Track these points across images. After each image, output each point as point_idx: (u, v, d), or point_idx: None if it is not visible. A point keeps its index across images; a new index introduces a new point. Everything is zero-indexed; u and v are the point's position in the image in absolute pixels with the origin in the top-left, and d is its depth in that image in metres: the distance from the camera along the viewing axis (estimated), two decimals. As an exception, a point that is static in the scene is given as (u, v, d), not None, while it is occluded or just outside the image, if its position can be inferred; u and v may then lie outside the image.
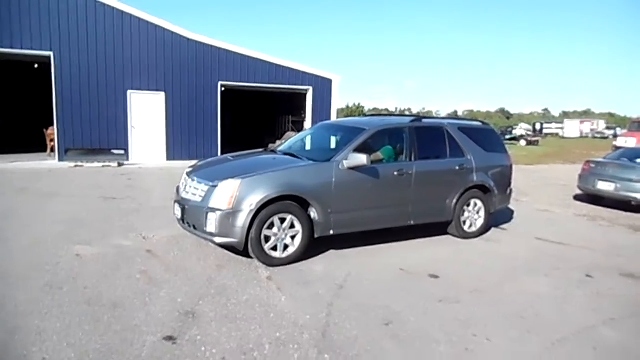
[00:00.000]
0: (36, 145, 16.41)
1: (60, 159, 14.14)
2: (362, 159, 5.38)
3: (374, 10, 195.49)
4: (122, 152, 14.82)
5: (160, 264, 5.04)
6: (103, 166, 13.66)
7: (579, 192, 10.86)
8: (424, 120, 6.79)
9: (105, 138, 14.70)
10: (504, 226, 7.69)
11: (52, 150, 14.89)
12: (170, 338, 3.43)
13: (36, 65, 16.01)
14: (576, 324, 4.07)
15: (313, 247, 5.57)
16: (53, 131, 14.49)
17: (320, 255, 5.56)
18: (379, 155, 6.06)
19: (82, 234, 6.11)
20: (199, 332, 3.54)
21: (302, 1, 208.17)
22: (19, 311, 3.74)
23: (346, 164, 5.44)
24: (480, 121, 7.99)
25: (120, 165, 14.03)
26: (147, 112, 15.19)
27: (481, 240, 6.74)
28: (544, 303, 4.50)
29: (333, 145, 6.56)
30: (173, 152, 15.50)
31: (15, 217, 6.90)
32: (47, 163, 13.81)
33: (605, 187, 9.68)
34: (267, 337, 3.53)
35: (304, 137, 7.26)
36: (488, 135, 7.33)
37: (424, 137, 6.35)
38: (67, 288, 4.25)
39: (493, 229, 7.39)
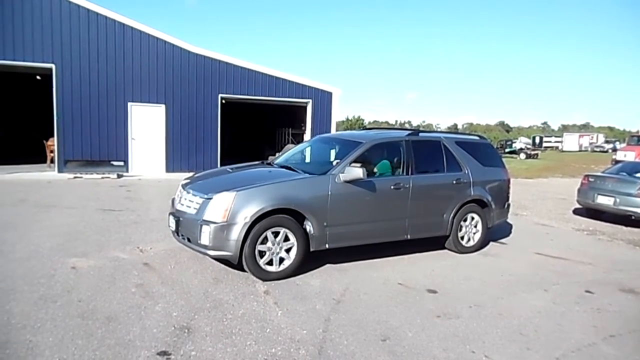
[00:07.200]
0: (36, 156, 16.42)
1: (59, 170, 14.13)
2: (358, 172, 5.37)
3: (375, 23, 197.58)
4: (121, 163, 14.82)
5: (157, 277, 5.01)
6: (102, 178, 13.66)
7: (578, 206, 10.84)
8: (421, 134, 6.78)
9: (105, 150, 14.71)
10: (503, 240, 7.66)
11: (52, 161, 14.90)
12: (164, 353, 3.39)
13: (38, 77, 16.14)
14: (576, 340, 4.03)
15: (311, 260, 5.53)
16: (53, 142, 14.52)
17: (318, 269, 5.52)
18: (375, 168, 6.05)
19: (78, 246, 6.07)
20: (194, 348, 3.50)
21: (302, 14, 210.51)
22: (11, 325, 3.70)
23: (342, 177, 5.41)
24: (478, 135, 7.98)
25: (119, 176, 14.02)
26: (147, 124, 15.23)
27: (480, 255, 6.71)
28: (543, 319, 4.45)
29: (329, 159, 6.56)
30: (173, 164, 15.50)
31: (12, 228, 6.86)
32: (46, 174, 13.80)
33: (604, 201, 9.67)
34: (262, 353, 3.48)
35: (301, 150, 7.25)
36: (485, 149, 7.30)
37: (420, 151, 6.34)
38: (61, 301, 4.21)
39: (492, 243, 7.36)
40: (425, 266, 5.97)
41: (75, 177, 13.45)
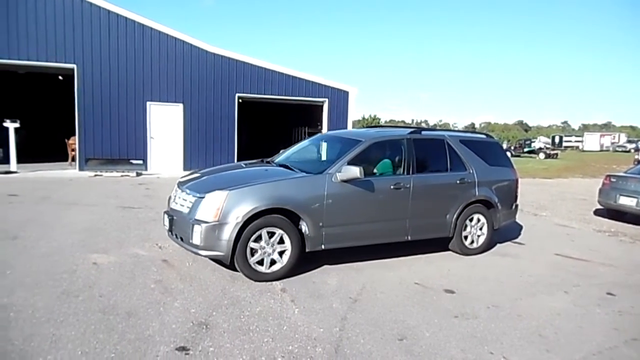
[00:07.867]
0: (58, 154, 16.80)
1: (80, 168, 14.44)
2: (355, 171, 5.23)
3: (389, 22, 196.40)
4: (140, 162, 15.04)
5: (175, 274, 5.08)
6: (122, 176, 13.89)
7: (599, 207, 10.62)
8: (424, 132, 6.59)
9: (125, 148, 14.98)
10: (521, 241, 7.55)
11: (73, 159, 15.23)
12: (183, 349, 3.44)
13: (60, 77, 16.50)
14: (597, 343, 3.96)
15: (326, 259, 5.54)
16: (74, 141, 14.84)
17: (334, 268, 5.52)
18: (375, 168, 5.92)
19: (99, 242, 6.20)
20: (212, 344, 3.54)
21: (318, 13, 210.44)
22: (36, 318, 3.80)
23: (339, 176, 5.29)
24: (484, 133, 7.79)
25: (138, 175, 14.24)
26: (165, 123, 15.46)
27: (498, 255, 6.62)
28: (563, 321, 4.38)
29: (328, 157, 6.38)
30: (190, 163, 15.67)
31: (35, 225, 7.03)
32: (68, 172, 14.11)
33: (627, 202, 9.46)
34: (279, 350, 3.51)
35: (301, 149, 7.06)
36: (492, 148, 7.10)
37: (422, 150, 6.19)
38: (83, 296, 4.31)
39: (510, 243, 7.27)
40: (442, 266, 5.93)
41: (95, 175, 13.71)
